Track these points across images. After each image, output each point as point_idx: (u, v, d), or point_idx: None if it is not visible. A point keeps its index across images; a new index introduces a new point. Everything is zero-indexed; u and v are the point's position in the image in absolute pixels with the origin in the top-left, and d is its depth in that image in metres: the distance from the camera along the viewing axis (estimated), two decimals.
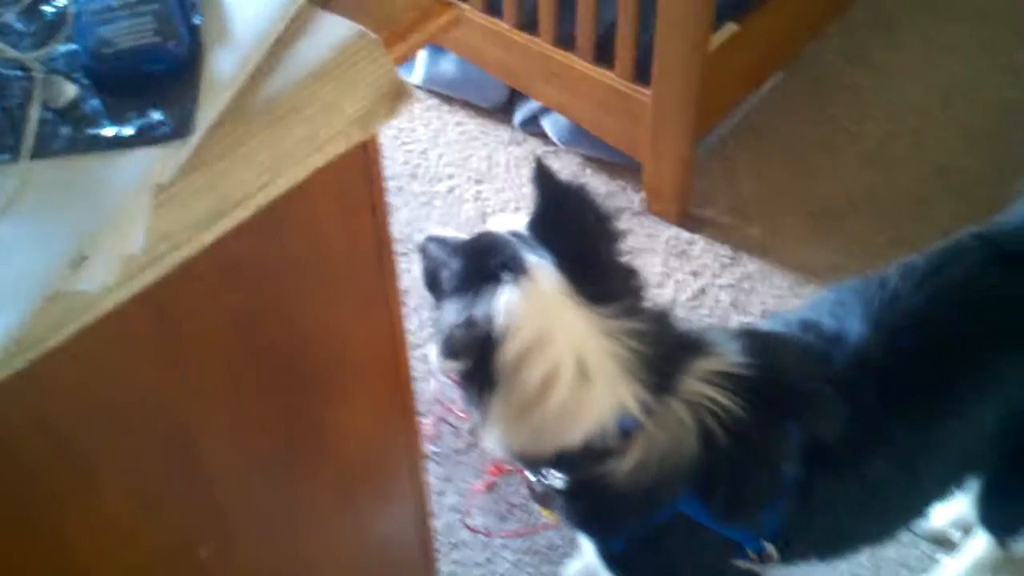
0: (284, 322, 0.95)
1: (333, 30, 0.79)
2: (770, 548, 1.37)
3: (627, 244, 2.32)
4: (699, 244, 2.41)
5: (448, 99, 2.75)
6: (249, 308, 0.90)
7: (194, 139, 0.74)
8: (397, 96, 0.81)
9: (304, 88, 0.78)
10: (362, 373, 1.09)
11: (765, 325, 1.53)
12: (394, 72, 0.81)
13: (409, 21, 0.84)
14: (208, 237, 0.74)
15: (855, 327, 1.37)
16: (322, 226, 0.92)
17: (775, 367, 1.31)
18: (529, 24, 2.46)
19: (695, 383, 1.25)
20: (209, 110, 0.75)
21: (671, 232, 2.43)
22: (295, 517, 1.14)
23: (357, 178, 0.90)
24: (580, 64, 2.39)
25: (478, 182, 2.57)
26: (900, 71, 2.80)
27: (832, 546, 1.52)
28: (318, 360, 1.01)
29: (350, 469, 1.17)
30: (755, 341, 1.34)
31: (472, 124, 2.70)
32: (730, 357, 1.28)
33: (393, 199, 2.54)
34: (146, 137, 0.73)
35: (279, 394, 1.00)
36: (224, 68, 0.77)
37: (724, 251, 2.40)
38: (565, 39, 2.41)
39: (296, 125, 0.77)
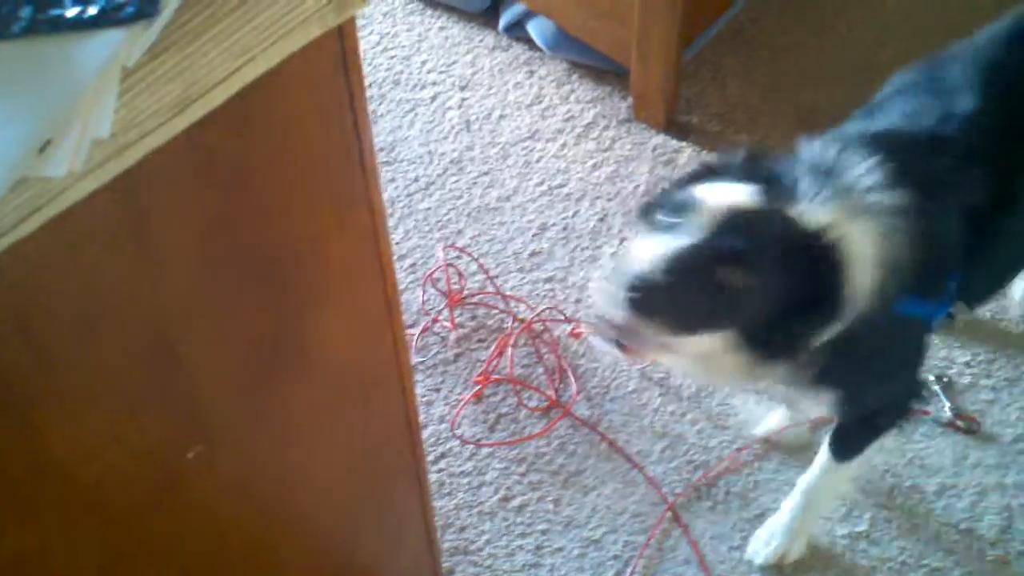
0: (262, 221, 0.92)
1: None
2: (958, 307, 1.50)
3: (615, 152, 2.33)
4: (687, 151, 2.38)
5: (432, 3, 2.68)
6: (225, 206, 0.86)
7: (161, 20, 0.70)
8: None
9: None
10: (345, 277, 1.07)
11: (877, 124, 1.54)
12: None
13: None
14: (179, 124, 0.70)
15: (960, 102, 1.47)
16: (298, 119, 0.88)
17: (913, 163, 1.39)
18: None
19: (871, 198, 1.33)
20: None
21: (658, 139, 2.39)
22: (282, 422, 1.12)
23: (334, 68, 0.86)
24: None
25: (462, 88, 2.52)
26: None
27: (1007, 276, 1.73)
28: (299, 263, 0.99)
29: (337, 375, 1.15)
30: (884, 144, 1.40)
31: (456, 29, 2.64)
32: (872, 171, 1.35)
33: (375, 107, 2.49)
34: (111, 18, 0.70)
35: (260, 298, 0.97)
36: None
37: (712, 158, 2.36)
38: None
39: (267, 6, 0.74)
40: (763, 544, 1.81)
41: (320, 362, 1.11)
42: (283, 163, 0.90)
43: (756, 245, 1.26)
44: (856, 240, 1.30)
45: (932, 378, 1.99)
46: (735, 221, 1.26)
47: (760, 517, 1.86)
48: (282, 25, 0.75)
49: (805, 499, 1.76)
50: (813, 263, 1.29)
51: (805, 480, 1.76)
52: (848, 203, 1.32)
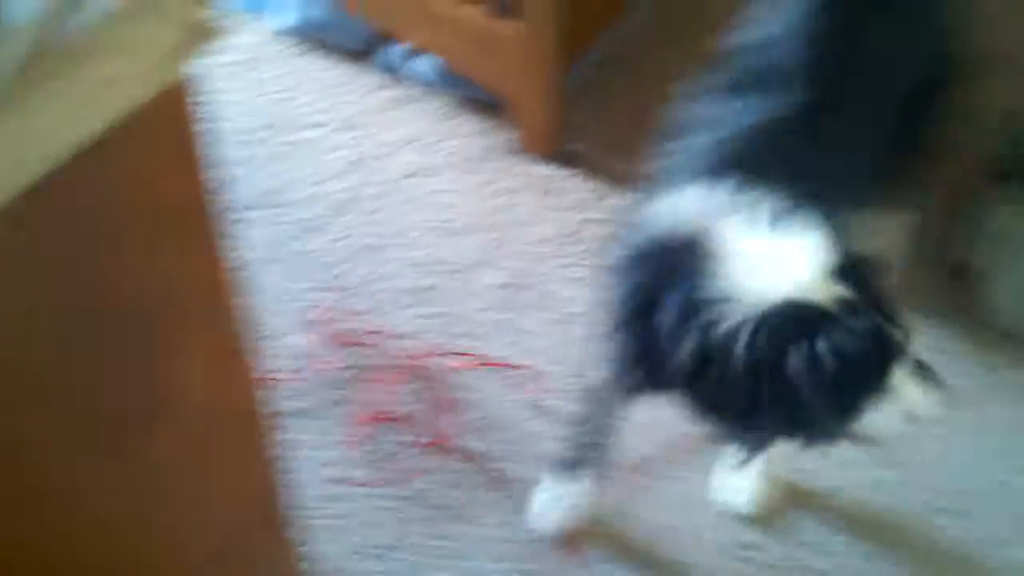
0: (103, 275, 0.91)
1: None
2: None
3: (502, 184, 2.33)
4: (574, 180, 2.38)
5: (313, 43, 2.68)
6: (66, 259, 0.86)
7: None
8: (204, 35, 0.79)
9: (104, 29, 0.75)
10: (195, 328, 1.06)
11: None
12: (198, 10, 0.79)
13: None
14: (9, 188, 0.71)
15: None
16: (139, 174, 0.88)
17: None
18: None
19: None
20: (5, 53, 0.72)
21: (546, 170, 2.40)
22: (139, 476, 1.10)
23: (173, 122, 0.87)
24: (443, 2, 2.34)
25: (346, 128, 2.52)
26: None
27: None
28: (143, 315, 0.98)
29: (195, 428, 1.13)
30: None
31: (338, 69, 2.64)
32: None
33: (259, 151, 2.48)
34: None
35: (102, 351, 0.96)
36: (19, 10, 0.73)
37: (598, 185, 2.37)
38: None
39: (97, 67, 0.74)
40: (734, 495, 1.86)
41: (173, 412, 1.10)
42: (124, 213, 0.90)
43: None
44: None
45: None
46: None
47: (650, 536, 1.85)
48: (115, 85, 0.76)
49: None
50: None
51: None
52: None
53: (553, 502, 1.86)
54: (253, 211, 2.35)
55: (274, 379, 2.07)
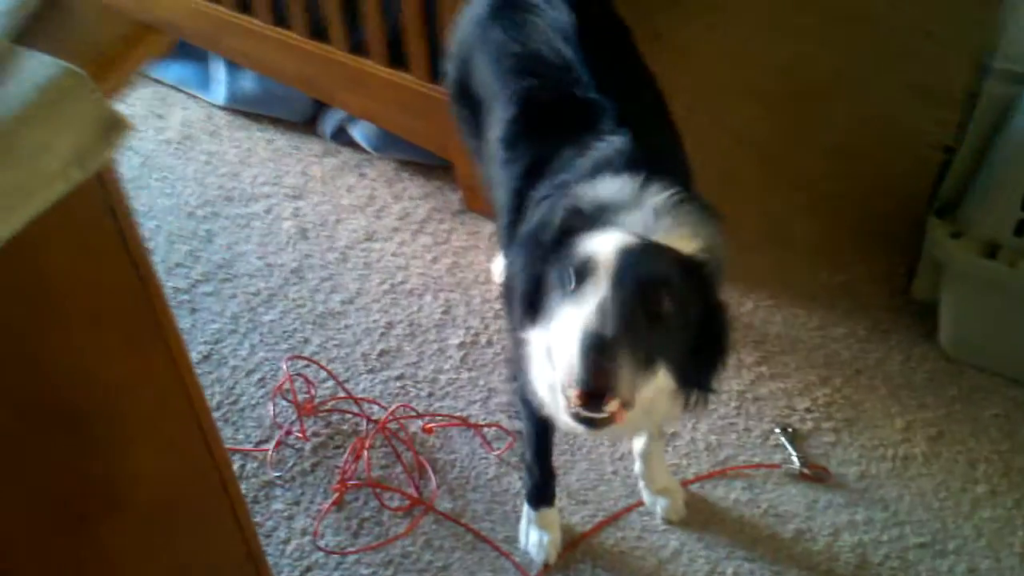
0: (39, 378, 0.91)
1: (37, 69, 0.77)
2: None
3: (451, 244, 2.37)
4: None
5: (255, 117, 2.70)
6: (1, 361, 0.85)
7: None
8: (113, 129, 0.79)
9: (11, 132, 0.75)
10: (147, 416, 1.06)
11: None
12: (106, 105, 0.79)
13: (116, 52, 0.82)
14: None
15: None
16: (65, 272, 0.88)
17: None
18: (321, 33, 2.44)
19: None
20: None
21: (492, 227, 2.43)
22: (107, 566, 1.09)
23: (98, 215, 0.87)
24: (377, 69, 2.38)
25: (294, 198, 2.54)
26: (691, 45, 2.88)
27: None
28: (90, 412, 0.97)
29: (157, 512, 1.13)
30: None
31: (282, 139, 2.66)
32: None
33: (210, 225, 2.49)
34: None
35: (57, 446, 0.96)
36: None
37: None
38: (359, 45, 2.39)
39: (7, 171, 0.74)
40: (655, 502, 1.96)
41: (136, 499, 1.09)
42: (59, 310, 0.90)
43: (662, 273, 1.33)
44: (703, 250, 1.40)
45: (777, 430, 2.06)
46: (631, 261, 1.32)
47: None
48: (26, 188, 0.75)
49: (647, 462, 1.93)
50: (698, 280, 1.37)
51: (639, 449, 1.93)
52: (671, 219, 1.41)
53: (536, 534, 1.91)
54: (208, 284, 2.35)
55: (243, 452, 2.08)
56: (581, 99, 1.63)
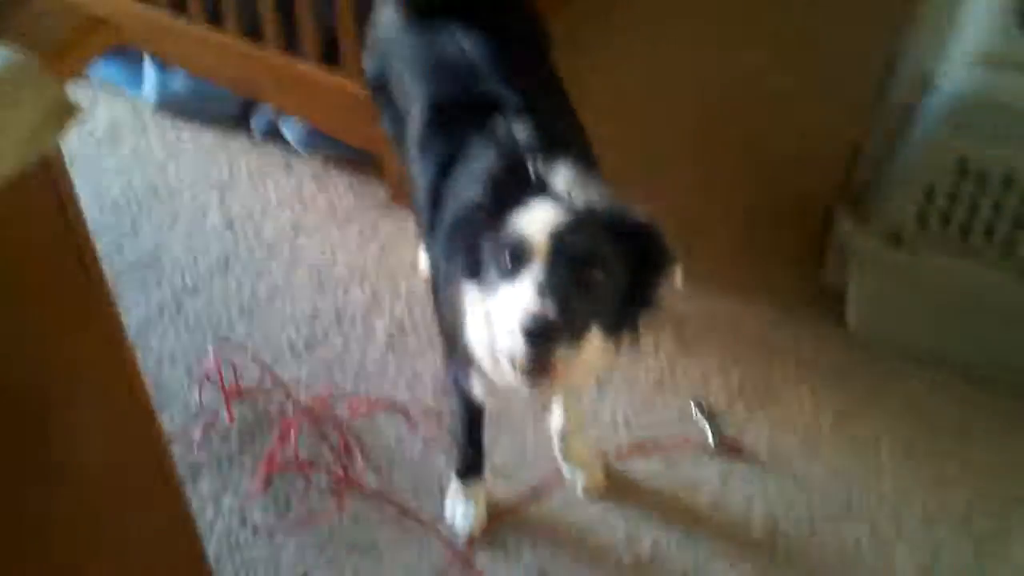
0: None
1: None
2: None
3: (377, 236, 2.42)
4: None
5: (184, 114, 2.73)
6: None
7: None
8: (63, 114, 0.83)
9: None
10: (88, 392, 1.09)
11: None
12: (57, 91, 0.84)
13: (68, 41, 0.87)
14: None
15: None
16: (11, 250, 0.91)
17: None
18: (255, 33, 2.48)
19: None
20: None
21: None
22: (43, 535, 1.12)
23: (44, 198, 0.91)
24: (307, 68, 2.43)
25: (221, 191, 2.57)
26: (617, 62, 2.98)
27: None
28: (32, 387, 1.01)
29: (95, 486, 1.16)
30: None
31: (210, 136, 2.69)
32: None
33: (136, 217, 2.51)
34: None
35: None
36: None
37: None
38: (291, 44, 2.44)
39: None
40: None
41: (73, 471, 1.12)
42: (5, 294, 0.94)
43: (592, 246, 1.42)
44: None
45: (692, 405, 2.14)
46: (563, 239, 1.40)
47: (550, 555, 1.93)
48: None
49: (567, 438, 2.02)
50: (627, 239, 1.45)
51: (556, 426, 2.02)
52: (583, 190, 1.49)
53: (463, 506, 1.97)
54: (134, 273, 2.37)
55: (172, 437, 2.09)
56: (487, 94, 1.71)
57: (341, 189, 2.58)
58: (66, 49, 0.88)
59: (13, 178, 0.83)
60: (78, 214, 0.97)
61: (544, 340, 1.35)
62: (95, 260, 1.02)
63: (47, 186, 0.92)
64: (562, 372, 1.43)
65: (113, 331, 1.08)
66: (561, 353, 1.39)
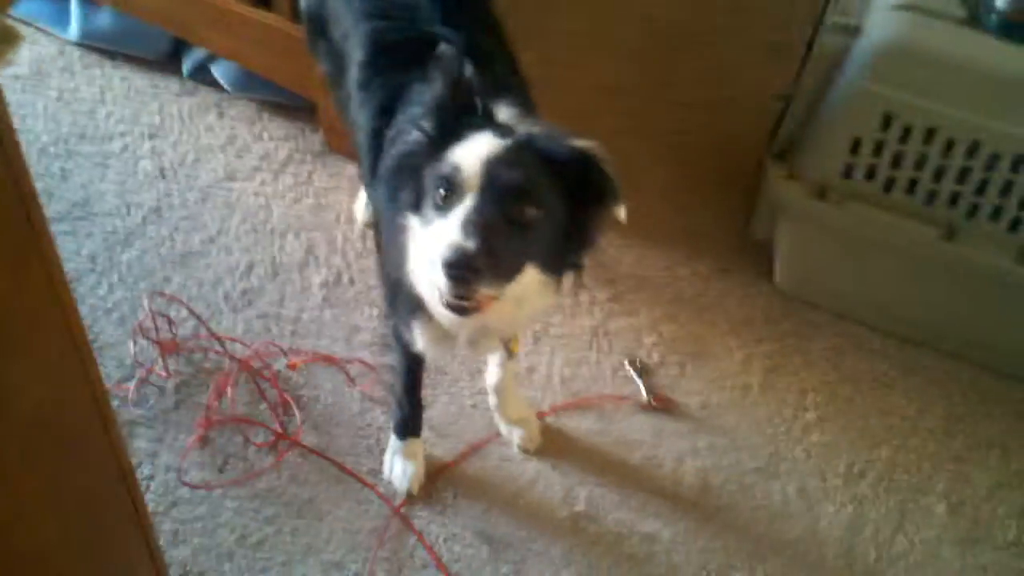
0: None
1: None
2: None
3: (313, 185, 2.40)
4: None
5: (111, 54, 2.65)
6: None
7: None
8: (4, 40, 0.81)
9: None
10: (26, 332, 1.08)
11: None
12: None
13: None
14: None
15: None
16: None
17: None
18: None
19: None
20: None
21: (354, 168, 2.47)
22: None
23: None
24: (240, 7, 2.38)
25: (152, 137, 2.52)
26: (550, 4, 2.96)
27: None
28: None
29: (32, 428, 1.15)
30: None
31: (139, 78, 2.63)
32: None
33: (64, 163, 2.45)
34: None
35: None
36: None
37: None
38: None
39: None
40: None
41: (12, 414, 1.11)
42: None
43: (526, 177, 1.41)
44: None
45: (626, 362, 2.18)
46: (495, 171, 1.39)
47: (487, 511, 1.97)
48: None
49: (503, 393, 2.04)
50: (568, 169, 1.44)
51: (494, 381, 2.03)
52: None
53: (401, 464, 1.99)
54: (64, 223, 2.32)
55: (107, 389, 2.07)
56: (427, 34, 1.70)
57: (275, 135, 2.54)
58: None
59: None
60: (17, 151, 0.95)
61: (466, 274, 1.34)
62: (35, 199, 1.00)
63: None
64: (489, 306, 1.42)
65: (51, 266, 1.07)
66: (487, 288, 1.38)
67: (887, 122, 2.03)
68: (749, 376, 2.21)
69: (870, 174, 2.11)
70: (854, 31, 2.04)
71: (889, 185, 2.10)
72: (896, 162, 2.07)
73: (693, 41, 2.89)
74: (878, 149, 2.07)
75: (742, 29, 2.91)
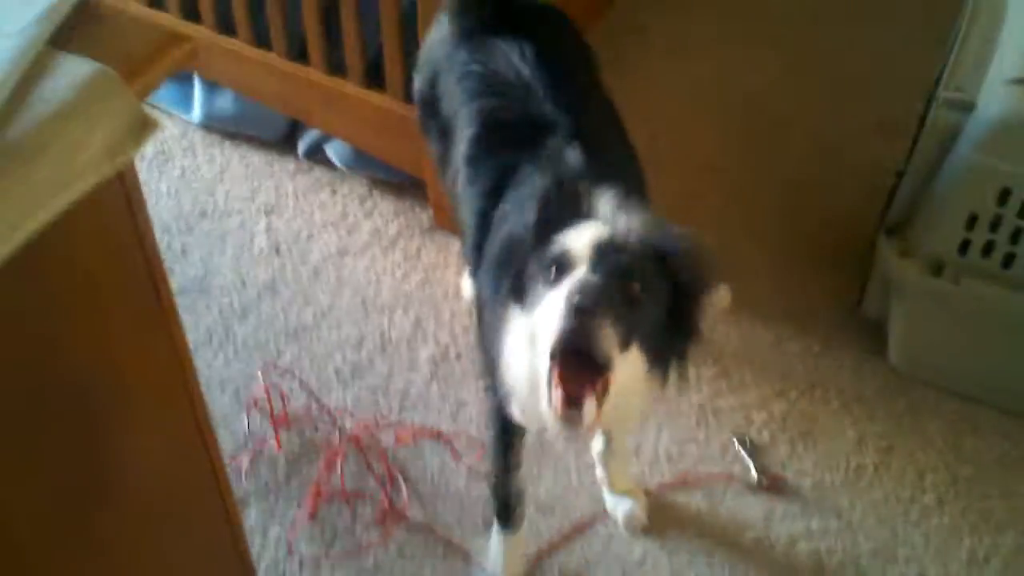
0: (58, 358, 0.96)
1: (74, 69, 0.83)
2: None
3: (422, 261, 2.43)
4: None
5: (231, 134, 2.76)
6: (19, 348, 0.91)
7: None
8: (141, 128, 0.86)
9: (49, 127, 0.81)
10: (149, 406, 1.11)
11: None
12: (136, 105, 0.85)
13: (146, 55, 0.88)
14: None
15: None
16: (88, 260, 0.94)
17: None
18: (300, 54, 2.51)
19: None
20: None
21: (460, 244, 2.50)
22: (99, 551, 1.14)
23: (119, 210, 0.93)
24: (353, 89, 2.45)
25: (268, 214, 2.59)
26: (655, 74, 2.98)
27: None
28: (98, 395, 1.03)
29: (151, 503, 1.18)
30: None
31: (257, 157, 2.72)
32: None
33: (184, 239, 2.54)
34: None
35: (61, 432, 1.01)
36: None
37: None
38: (336, 66, 2.47)
39: (44, 164, 0.80)
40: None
41: (132, 488, 1.14)
42: (76, 300, 0.96)
43: (634, 261, 1.42)
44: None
45: (736, 441, 2.14)
46: (605, 251, 1.41)
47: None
48: (61, 180, 0.81)
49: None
50: (670, 261, 1.45)
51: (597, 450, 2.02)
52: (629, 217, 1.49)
53: (500, 550, 1.96)
54: (184, 297, 2.40)
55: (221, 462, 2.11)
56: (538, 116, 1.71)
57: (385, 212, 2.60)
58: (143, 64, 0.90)
59: (91, 192, 0.85)
60: (148, 228, 1.00)
61: (584, 322, 1.33)
62: (163, 274, 1.05)
63: (122, 201, 0.95)
64: (601, 394, 1.40)
65: (175, 337, 1.11)
66: (601, 344, 1.35)
67: (1004, 197, 1.98)
68: (863, 456, 2.15)
69: (987, 250, 2.05)
70: (968, 106, 2.01)
71: (1008, 261, 2.04)
72: (1015, 238, 2.02)
73: (797, 119, 2.87)
74: (995, 224, 2.02)
75: (847, 106, 2.89)
